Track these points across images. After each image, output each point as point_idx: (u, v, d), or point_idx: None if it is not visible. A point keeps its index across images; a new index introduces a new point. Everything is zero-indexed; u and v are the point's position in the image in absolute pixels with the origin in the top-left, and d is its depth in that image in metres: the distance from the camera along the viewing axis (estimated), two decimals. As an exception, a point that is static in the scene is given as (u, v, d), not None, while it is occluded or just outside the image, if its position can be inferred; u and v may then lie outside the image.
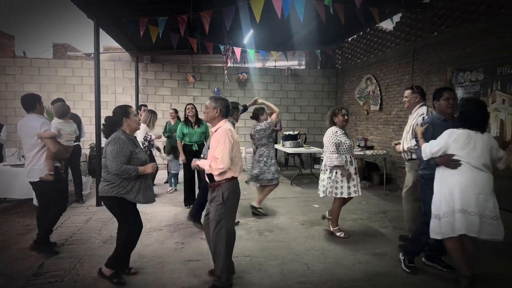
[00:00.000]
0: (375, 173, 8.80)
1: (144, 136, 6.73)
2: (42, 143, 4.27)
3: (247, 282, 3.61)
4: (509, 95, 5.47)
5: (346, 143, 4.75)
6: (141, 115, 7.93)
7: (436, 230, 3.41)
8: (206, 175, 3.48)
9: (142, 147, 6.77)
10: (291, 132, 9.46)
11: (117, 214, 3.59)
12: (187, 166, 6.28)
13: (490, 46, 5.90)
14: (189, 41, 8.02)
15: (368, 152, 8.00)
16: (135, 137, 3.79)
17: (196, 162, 3.53)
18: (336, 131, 4.75)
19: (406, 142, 4.41)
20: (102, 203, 3.63)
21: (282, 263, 4.08)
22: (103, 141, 3.70)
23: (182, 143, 6.43)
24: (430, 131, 3.70)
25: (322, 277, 3.74)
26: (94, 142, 7.07)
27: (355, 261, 4.15)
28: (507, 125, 5.50)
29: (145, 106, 8.16)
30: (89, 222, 5.52)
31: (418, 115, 4.36)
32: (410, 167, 4.49)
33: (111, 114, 3.62)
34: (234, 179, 3.44)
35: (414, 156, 4.37)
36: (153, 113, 7.18)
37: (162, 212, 6.10)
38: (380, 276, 3.78)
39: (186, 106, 6.62)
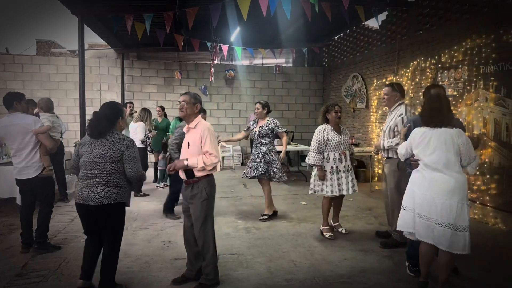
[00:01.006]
0: (361, 170, 8.89)
1: (145, 134, 6.86)
2: (36, 139, 4.23)
3: (234, 280, 3.61)
4: (491, 93, 5.56)
5: (334, 140, 4.69)
6: (127, 113, 7.88)
7: (400, 221, 3.35)
8: (184, 172, 3.38)
9: (144, 145, 6.82)
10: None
11: (120, 224, 3.29)
12: None
13: (473, 45, 5.99)
14: (175, 38, 7.97)
15: (355, 150, 8.05)
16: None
17: (184, 163, 3.30)
18: (325, 129, 4.74)
19: (386, 140, 4.41)
20: (102, 213, 3.09)
21: (269, 260, 4.09)
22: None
23: None
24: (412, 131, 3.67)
25: (309, 274, 3.77)
26: (79, 140, 6.98)
27: (341, 258, 4.19)
28: (490, 123, 5.60)
29: (131, 103, 8.09)
30: (74, 221, 5.45)
31: (397, 115, 4.36)
32: (388, 168, 4.48)
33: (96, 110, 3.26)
34: (212, 175, 3.44)
35: (391, 154, 4.40)
36: (148, 112, 7.25)
37: (148, 211, 6.06)
38: (366, 272, 3.82)
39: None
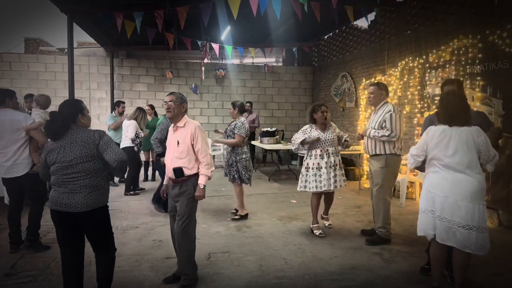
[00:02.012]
0: (350, 168, 8.97)
1: (136, 133, 6.84)
2: (26, 136, 4.21)
3: (226, 278, 3.64)
4: (477, 92, 5.66)
5: (319, 138, 4.81)
6: (118, 112, 7.84)
7: (420, 225, 3.22)
8: (173, 171, 3.37)
9: (134, 144, 6.79)
10: (268, 129, 9.51)
11: (109, 226, 3.04)
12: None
13: (460, 45, 6.09)
14: (165, 36, 7.94)
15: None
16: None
17: (201, 187, 3.38)
18: (306, 128, 4.87)
19: (373, 130, 4.50)
20: (88, 220, 2.86)
21: (260, 259, 4.12)
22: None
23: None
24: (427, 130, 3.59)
25: (299, 272, 3.81)
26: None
27: (332, 255, 4.23)
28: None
29: (123, 102, 8.05)
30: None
31: (385, 112, 4.47)
32: (376, 165, 4.56)
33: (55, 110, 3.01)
34: (198, 174, 3.45)
35: (378, 151, 4.50)
36: (143, 111, 7.24)
37: (138, 210, 6.05)
38: (355, 269, 3.87)
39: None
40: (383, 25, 8.37)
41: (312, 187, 4.81)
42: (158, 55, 12.03)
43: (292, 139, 4.93)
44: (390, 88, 7.92)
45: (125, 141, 6.94)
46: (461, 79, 5.98)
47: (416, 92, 7.16)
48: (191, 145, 3.35)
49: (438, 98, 6.37)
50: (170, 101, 3.38)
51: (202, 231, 5.00)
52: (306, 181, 4.88)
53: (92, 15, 7.34)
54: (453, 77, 6.02)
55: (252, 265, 3.96)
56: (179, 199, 3.39)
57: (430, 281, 3.42)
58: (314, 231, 4.92)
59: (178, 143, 3.38)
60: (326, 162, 4.81)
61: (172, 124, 3.51)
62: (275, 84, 12.13)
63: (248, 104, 9.11)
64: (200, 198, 3.41)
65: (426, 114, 6.77)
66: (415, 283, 3.56)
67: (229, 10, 6.03)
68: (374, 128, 4.53)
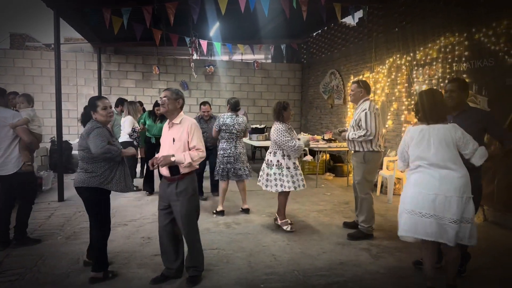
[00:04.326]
0: (338, 165, 9.03)
1: (133, 128, 6.82)
2: (14, 134, 4.15)
3: (215, 275, 3.64)
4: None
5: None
6: (121, 111, 7.63)
7: (404, 226, 3.15)
8: (169, 169, 3.32)
9: (132, 138, 6.72)
10: (258, 126, 9.52)
11: (92, 207, 3.46)
12: (149, 156, 6.57)
13: (447, 43, 6.16)
14: (153, 32, 7.88)
15: (332, 145, 8.19)
16: (110, 131, 3.75)
17: (171, 159, 3.22)
18: (284, 128, 4.83)
19: (352, 132, 4.63)
20: (79, 195, 3.46)
21: (249, 255, 4.13)
22: (68, 133, 3.62)
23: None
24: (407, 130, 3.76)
25: (288, 267, 3.83)
26: (55, 136, 6.85)
27: (320, 251, 4.27)
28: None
29: (125, 100, 7.87)
30: (51, 218, 5.37)
31: (361, 110, 4.58)
32: (356, 161, 4.68)
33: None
34: (194, 171, 3.45)
35: (358, 148, 4.61)
36: (133, 104, 7.18)
37: (127, 207, 6.01)
38: (343, 264, 3.91)
39: (156, 102, 6.65)
40: (370, 22, 8.42)
41: (291, 187, 4.85)
42: (146, 51, 11.93)
43: (289, 145, 4.70)
44: (377, 85, 8.00)
45: (123, 137, 6.94)
46: (448, 76, 6.07)
47: (403, 90, 7.24)
48: (187, 143, 3.32)
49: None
50: (164, 96, 3.34)
51: (191, 228, 4.99)
52: (282, 180, 4.87)
53: (79, 10, 7.24)
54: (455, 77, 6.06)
55: (241, 261, 3.97)
56: (179, 199, 3.32)
57: (419, 275, 3.47)
58: (285, 227, 4.97)
59: (174, 140, 3.33)
60: (296, 162, 4.97)
61: (168, 121, 3.47)
62: (264, 81, 12.14)
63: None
64: (160, 161, 3.24)
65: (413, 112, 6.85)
66: (402, 278, 3.62)
67: (218, 6, 6.01)
68: (352, 126, 4.66)
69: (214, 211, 5.68)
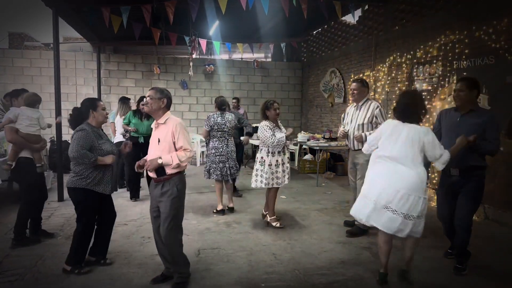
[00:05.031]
0: (339, 163, 9.02)
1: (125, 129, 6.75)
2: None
3: (215, 274, 3.63)
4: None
5: (279, 135, 4.89)
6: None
7: (356, 206, 3.44)
8: (155, 170, 3.24)
9: (125, 138, 6.64)
10: (257, 125, 9.48)
11: (78, 206, 3.60)
12: (133, 158, 5.78)
13: (447, 40, 6.14)
14: (152, 32, 7.86)
15: (333, 144, 8.18)
16: (102, 130, 3.79)
17: (158, 161, 3.18)
18: (267, 125, 4.91)
19: (367, 132, 4.53)
20: (67, 194, 3.63)
21: (250, 254, 4.12)
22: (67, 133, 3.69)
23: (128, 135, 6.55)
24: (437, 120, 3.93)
25: (289, 267, 3.82)
26: (55, 136, 6.83)
27: (321, 250, 4.25)
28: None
29: (128, 99, 7.85)
30: (51, 218, 5.35)
31: (373, 108, 4.58)
32: (362, 158, 4.57)
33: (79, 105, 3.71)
34: (182, 172, 3.36)
35: (360, 146, 4.52)
36: (122, 101, 7.14)
37: (127, 207, 6.00)
38: (344, 263, 3.90)
39: (141, 98, 6.48)
40: (371, 21, 8.40)
41: (280, 183, 4.94)
42: (146, 50, 11.91)
43: (270, 140, 4.81)
44: (378, 84, 7.99)
45: (118, 137, 6.92)
46: (449, 74, 6.05)
47: (404, 88, 7.22)
48: (173, 143, 3.24)
49: (426, 94, 6.46)
50: (148, 96, 3.30)
51: (192, 227, 4.98)
52: (268, 177, 4.90)
53: (78, 9, 7.21)
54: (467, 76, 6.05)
55: (242, 260, 3.96)
56: (162, 199, 3.26)
57: (420, 275, 3.46)
58: (274, 224, 5.02)
59: (159, 141, 3.27)
60: (282, 159, 4.97)
61: (154, 121, 3.42)
62: (264, 80, 12.12)
63: (234, 100, 9.07)
64: (148, 166, 3.21)
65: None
66: (403, 277, 3.60)
67: (217, 5, 5.99)
68: (361, 125, 4.64)
69: (214, 210, 5.67)
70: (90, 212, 3.64)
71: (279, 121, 5.15)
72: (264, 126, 4.90)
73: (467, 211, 3.62)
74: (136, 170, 3.35)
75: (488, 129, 3.51)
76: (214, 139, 5.64)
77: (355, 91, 4.73)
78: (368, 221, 3.30)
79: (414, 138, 3.17)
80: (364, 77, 8.48)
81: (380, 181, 3.25)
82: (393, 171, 3.21)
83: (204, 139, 6.01)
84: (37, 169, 4.37)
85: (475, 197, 3.63)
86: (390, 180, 3.20)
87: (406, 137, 3.20)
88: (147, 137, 6.39)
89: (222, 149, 5.60)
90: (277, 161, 4.92)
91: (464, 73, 5.71)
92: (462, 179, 3.62)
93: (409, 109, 3.30)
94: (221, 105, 5.72)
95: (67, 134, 10.00)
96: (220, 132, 5.60)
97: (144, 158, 3.40)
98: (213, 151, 5.62)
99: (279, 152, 4.94)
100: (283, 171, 4.97)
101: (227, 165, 5.62)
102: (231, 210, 5.73)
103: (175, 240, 3.34)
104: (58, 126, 6.36)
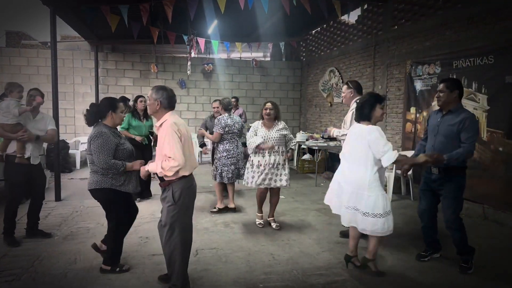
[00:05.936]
0: (338, 163, 8.98)
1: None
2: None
3: (213, 275, 3.61)
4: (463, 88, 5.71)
5: (260, 135, 4.90)
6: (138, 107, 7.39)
7: (327, 195, 3.83)
8: (156, 174, 3.19)
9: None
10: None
11: (107, 205, 3.53)
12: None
13: (446, 40, 6.13)
14: (150, 30, 7.82)
15: (331, 144, 8.17)
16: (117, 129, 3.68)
17: (145, 168, 3.24)
18: (255, 125, 5.02)
19: (337, 130, 4.63)
20: (91, 195, 3.52)
21: (248, 254, 4.10)
22: (70, 132, 3.63)
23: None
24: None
25: (287, 267, 3.80)
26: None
27: (319, 250, 4.24)
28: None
29: (127, 99, 7.73)
30: (48, 218, 5.32)
31: (351, 110, 4.48)
32: None
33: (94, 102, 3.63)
34: (185, 177, 3.13)
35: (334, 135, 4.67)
36: (124, 102, 7.03)
37: (126, 206, 5.97)
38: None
39: (136, 97, 6.43)
40: (370, 20, 8.38)
41: (259, 182, 4.89)
42: (144, 49, 11.87)
43: (248, 141, 4.93)
44: (377, 83, 7.97)
45: None
46: (448, 74, 6.04)
47: (403, 87, 7.20)
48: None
49: (425, 93, 6.44)
50: (148, 96, 3.24)
51: (190, 227, 4.96)
52: (253, 177, 4.92)
53: (75, 8, 7.17)
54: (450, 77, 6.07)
55: (240, 261, 3.94)
56: (162, 205, 3.21)
57: (419, 275, 3.44)
58: (257, 222, 5.12)
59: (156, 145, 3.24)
60: (266, 160, 4.86)
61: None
62: (263, 79, 12.09)
63: (233, 100, 9.04)
64: (141, 174, 3.33)
65: (412, 110, 6.83)
66: (401, 277, 3.59)
67: (216, 4, 5.96)
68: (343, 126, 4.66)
69: (214, 209, 5.66)
70: (120, 211, 3.56)
71: (278, 122, 5.04)
72: (252, 125, 5.04)
73: (452, 211, 3.65)
74: (142, 177, 3.45)
75: (462, 130, 3.52)
76: (225, 142, 5.59)
77: (343, 94, 4.68)
78: (333, 211, 3.71)
79: (363, 138, 3.36)
80: (364, 77, 8.48)
81: (339, 180, 3.63)
82: (348, 170, 3.53)
83: (213, 142, 5.81)
84: (16, 159, 4.21)
85: (456, 196, 3.67)
86: (346, 179, 3.54)
87: (356, 137, 3.44)
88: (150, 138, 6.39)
89: (233, 151, 5.59)
90: (259, 161, 4.89)
91: (464, 73, 5.70)
92: (441, 178, 3.68)
93: (359, 109, 3.51)
94: (228, 106, 5.68)
95: (64, 133, 10.01)
96: (230, 134, 5.58)
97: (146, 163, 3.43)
98: (225, 154, 5.56)
99: (258, 153, 4.91)
100: (260, 172, 4.86)
101: (238, 166, 5.62)
102: (233, 210, 5.70)
103: (175, 252, 3.15)
104: (56, 126, 6.31)
